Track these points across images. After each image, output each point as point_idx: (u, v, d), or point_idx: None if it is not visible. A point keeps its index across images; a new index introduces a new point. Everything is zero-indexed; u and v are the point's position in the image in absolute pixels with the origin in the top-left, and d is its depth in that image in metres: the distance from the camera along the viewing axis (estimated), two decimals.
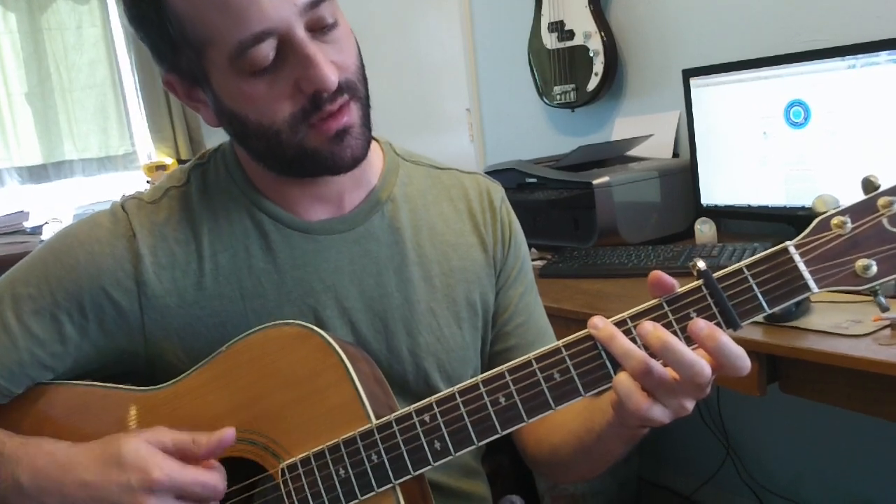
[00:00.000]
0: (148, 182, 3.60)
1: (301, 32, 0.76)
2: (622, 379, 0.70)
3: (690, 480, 2.24)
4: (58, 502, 0.76)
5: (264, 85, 0.78)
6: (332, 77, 0.77)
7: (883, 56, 1.41)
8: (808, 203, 1.52)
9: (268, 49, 0.75)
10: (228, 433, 0.77)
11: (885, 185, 0.69)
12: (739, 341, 0.69)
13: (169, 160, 3.88)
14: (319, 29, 0.78)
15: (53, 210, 3.47)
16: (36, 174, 3.72)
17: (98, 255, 0.85)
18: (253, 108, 0.80)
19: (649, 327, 0.69)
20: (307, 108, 0.79)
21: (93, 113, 3.81)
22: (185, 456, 0.76)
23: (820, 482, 1.95)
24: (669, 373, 0.69)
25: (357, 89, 0.82)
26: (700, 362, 0.67)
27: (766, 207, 1.66)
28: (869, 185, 0.69)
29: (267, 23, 0.74)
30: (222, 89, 0.80)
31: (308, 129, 0.80)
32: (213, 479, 0.76)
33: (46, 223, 3.19)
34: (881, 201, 0.68)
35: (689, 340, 0.69)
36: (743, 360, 0.68)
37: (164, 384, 0.85)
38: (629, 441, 0.79)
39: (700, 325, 0.68)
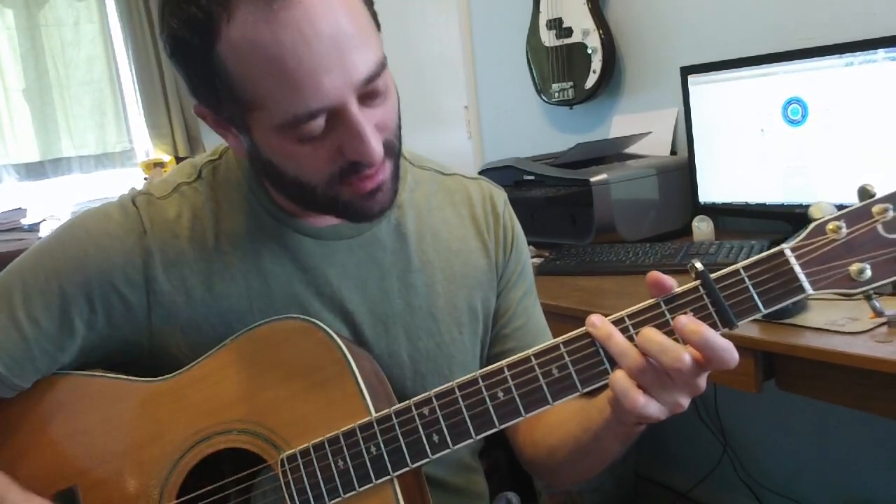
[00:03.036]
0: (145, 179, 3.60)
1: (354, 107, 0.74)
2: (619, 376, 0.71)
3: (687, 478, 2.24)
4: None
5: (309, 149, 0.76)
6: (379, 150, 0.76)
7: (880, 53, 1.42)
8: (805, 201, 1.53)
9: (320, 122, 0.74)
10: None
11: (880, 193, 0.70)
12: (735, 337, 0.70)
13: (167, 157, 3.87)
14: (371, 98, 0.77)
15: (51, 207, 3.47)
16: (33, 171, 3.71)
17: (108, 249, 0.85)
18: (292, 166, 0.79)
19: (650, 334, 0.70)
20: (346, 169, 0.78)
21: (90, 110, 3.81)
22: None
23: (816, 479, 1.96)
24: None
25: (394, 147, 0.81)
26: (678, 348, 0.68)
27: (763, 205, 1.67)
28: (864, 193, 0.71)
29: (324, 101, 0.72)
30: (263, 144, 0.78)
31: (342, 185, 0.80)
32: None
33: (44, 220, 3.19)
34: (876, 208, 0.69)
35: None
36: (730, 353, 0.69)
37: (169, 375, 0.85)
38: (626, 439, 0.80)
39: (683, 321, 0.69)
